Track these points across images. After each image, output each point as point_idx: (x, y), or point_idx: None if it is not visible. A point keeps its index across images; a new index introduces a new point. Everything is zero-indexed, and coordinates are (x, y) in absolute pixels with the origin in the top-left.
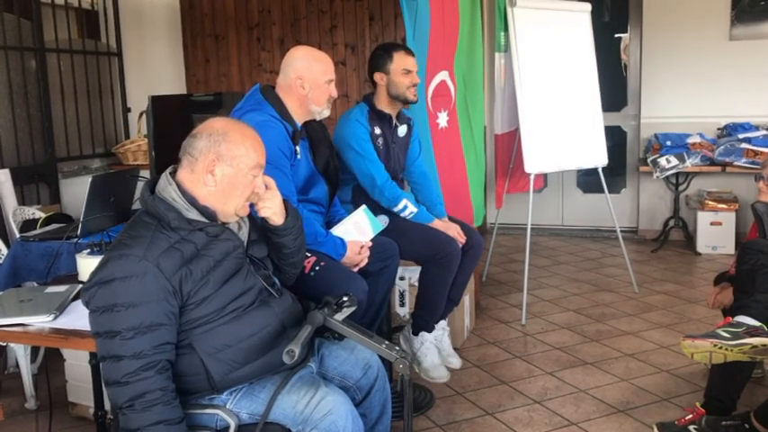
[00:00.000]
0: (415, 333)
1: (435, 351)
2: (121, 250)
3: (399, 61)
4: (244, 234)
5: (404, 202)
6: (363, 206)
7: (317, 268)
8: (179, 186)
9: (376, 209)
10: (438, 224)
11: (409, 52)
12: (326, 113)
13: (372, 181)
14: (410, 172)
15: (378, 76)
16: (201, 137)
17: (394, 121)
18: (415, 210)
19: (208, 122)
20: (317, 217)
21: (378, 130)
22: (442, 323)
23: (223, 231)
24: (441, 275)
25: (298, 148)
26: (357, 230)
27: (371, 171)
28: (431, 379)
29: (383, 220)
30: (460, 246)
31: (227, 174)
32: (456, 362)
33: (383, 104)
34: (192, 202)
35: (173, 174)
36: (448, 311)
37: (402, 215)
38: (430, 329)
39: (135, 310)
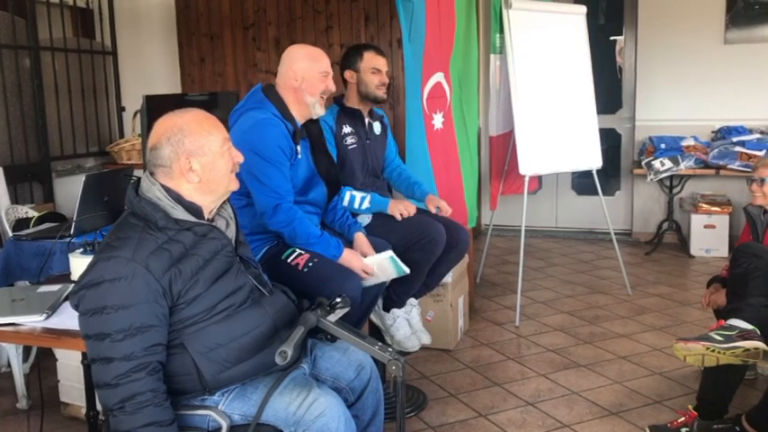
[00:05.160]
0: (386, 309)
1: (406, 323)
2: (109, 252)
3: (369, 60)
4: (231, 232)
5: (348, 194)
6: (390, 252)
7: (311, 264)
8: (162, 185)
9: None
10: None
11: (380, 53)
12: (321, 111)
13: None
14: (390, 170)
15: (348, 74)
16: (162, 145)
17: (366, 118)
18: (365, 194)
19: (157, 129)
20: (313, 218)
21: (347, 129)
22: (412, 300)
23: (211, 230)
24: (423, 258)
25: (298, 147)
26: (381, 271)
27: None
28: (405, 349)
29: (367, 218)
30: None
31: (206, 162)
32: (426, 338)
33: (354, 102)
34: (178, 199)
35: (153, 174)
36: (421, 294)
37: (355, 208)
38: (401, 306)
39: (125, 312)
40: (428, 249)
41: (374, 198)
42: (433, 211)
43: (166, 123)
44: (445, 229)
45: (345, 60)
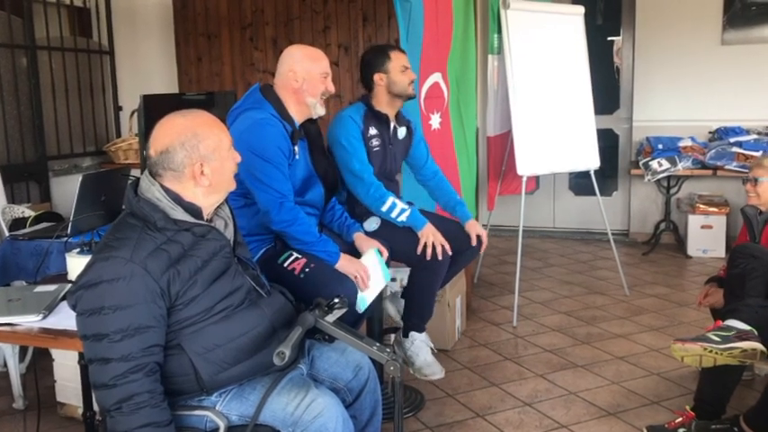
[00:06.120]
0: (405, 335)
1: (427, 349)
2: (108, 252)
3: (397, 59)
4: (230, 232)
5: (390, 200)
6: (374, 249)
7: (307, 270)
8: (162, 186)
9: (363, 212)
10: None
11: (403, 51)
12: (321, 111)
13: (358, 179)
14: (423, 175)
15: (377, 77)
16: (175, 149)
17: (392, 122)
18: (405, 207)
19: (168, 132)
20: (312, 219)
21: (373, 131)
22: (423, 337)
23: (209, 231)
24: (429, 279)
25: (296, 147)
26: (373, 271)
27: (357, 169)
28: (424, 377)
29: (375, 222)
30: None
31: (216, 166)
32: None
33: (382, 105)
34: (177, 200)
35: (157, 177)
36: None
37: (391, 217)
38: (420, 330)
39: (123, 313)
40: (433, 269)
41: (412, 214)
42: (474, 241)
43: (177, 127)
44: (456, 233)
45: (371, 64)
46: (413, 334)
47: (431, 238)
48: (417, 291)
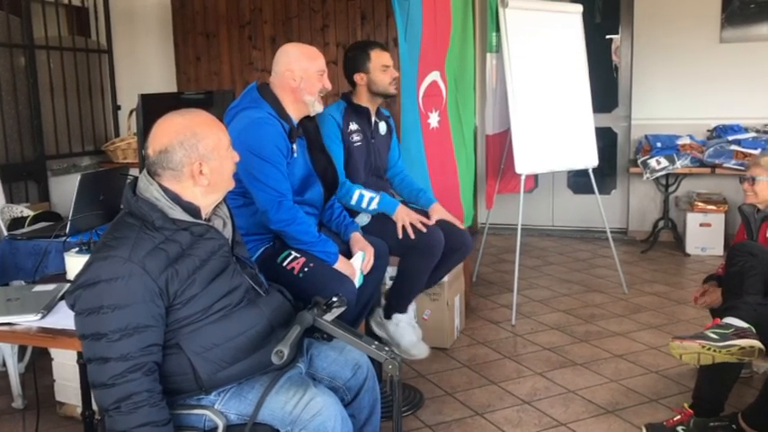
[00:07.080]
0: (388, 317)
1: (411, 329)
2: (106, 252)
3: (377, 58)
4: (228, 232)
5: (357, 192)
6: (361, 252)
7: (306, 269)
8: (160, 185)
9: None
10: (401, 211)
11: (385, 49)
12: (319, 108)
13: None
14: (391, 174)
15: (358, 77)
16: (174, 149)
17: (373, 117)
18: (374, 195)
19: (166, 131)
20: (311, 219)
21: (354, 126)
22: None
23: (208, 230)
24: (422, 263)
25: (294, 146)
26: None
27: None
28: (411, 357)
29: (366, 216)
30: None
31: (215, 166)
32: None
33: (362, 101)
34: (175, 199)
35: (156, 176)
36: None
37: (363, 207)
38: (403, 311)
39: (121, 312)
40: (426, 254)
41: (383, 199)
42: (431, 221)
43: (176, 126)
44: (448, 231)
45: (352, 63)
46: (396, 316)
47: (406, 219)
48: (408, 274)
